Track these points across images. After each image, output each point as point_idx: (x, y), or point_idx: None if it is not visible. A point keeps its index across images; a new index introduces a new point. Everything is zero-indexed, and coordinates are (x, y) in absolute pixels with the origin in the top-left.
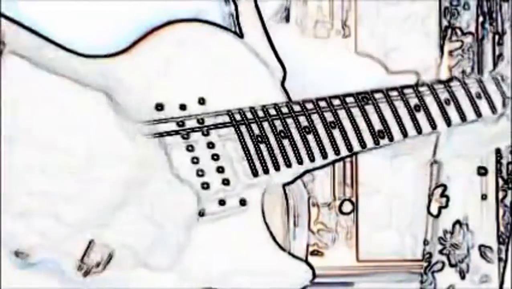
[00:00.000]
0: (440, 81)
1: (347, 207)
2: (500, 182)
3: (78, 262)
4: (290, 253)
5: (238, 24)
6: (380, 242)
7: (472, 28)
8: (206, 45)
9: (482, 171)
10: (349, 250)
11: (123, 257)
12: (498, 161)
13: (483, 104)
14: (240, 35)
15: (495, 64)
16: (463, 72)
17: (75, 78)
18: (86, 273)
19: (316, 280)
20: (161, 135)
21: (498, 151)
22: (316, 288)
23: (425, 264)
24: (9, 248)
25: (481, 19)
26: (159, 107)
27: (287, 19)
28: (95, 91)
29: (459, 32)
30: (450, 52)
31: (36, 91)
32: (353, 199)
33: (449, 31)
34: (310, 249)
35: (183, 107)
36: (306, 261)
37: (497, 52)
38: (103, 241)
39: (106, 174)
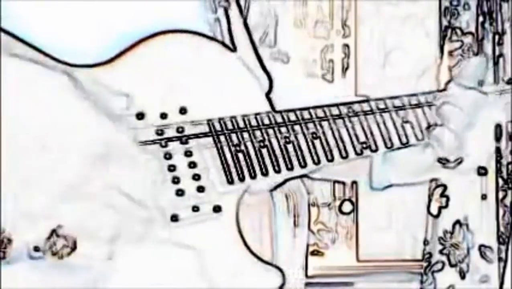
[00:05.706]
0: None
1: (347, 207)
2: (500, 182)
3: (47, 250)
4: (261, 259)
5: (231, 36)
6: (380, 242)
7: (472, 28)
8: (193, 56)
9: (482, 171)
10: (349, 250)
11: (88, 245)
12: (498, 161)
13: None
14: (233, 46)
15: (495, 64)
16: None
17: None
18: (58, 258)
19: (316, 280)
20: (140, 143)
21: (498, 151)
22: (316, 288)
23: (425, 264)
24: None
25: (481, 19)
26: (140, 116)
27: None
28: (60, 74)
29: (459, 32)
30: (450, 52)
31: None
32: (353, 199)
33: (449, 31)
34: (310, 249)
35: (164, 116)
36: (277, 267)
37: (497, 52)
38: (67, 229)
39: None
